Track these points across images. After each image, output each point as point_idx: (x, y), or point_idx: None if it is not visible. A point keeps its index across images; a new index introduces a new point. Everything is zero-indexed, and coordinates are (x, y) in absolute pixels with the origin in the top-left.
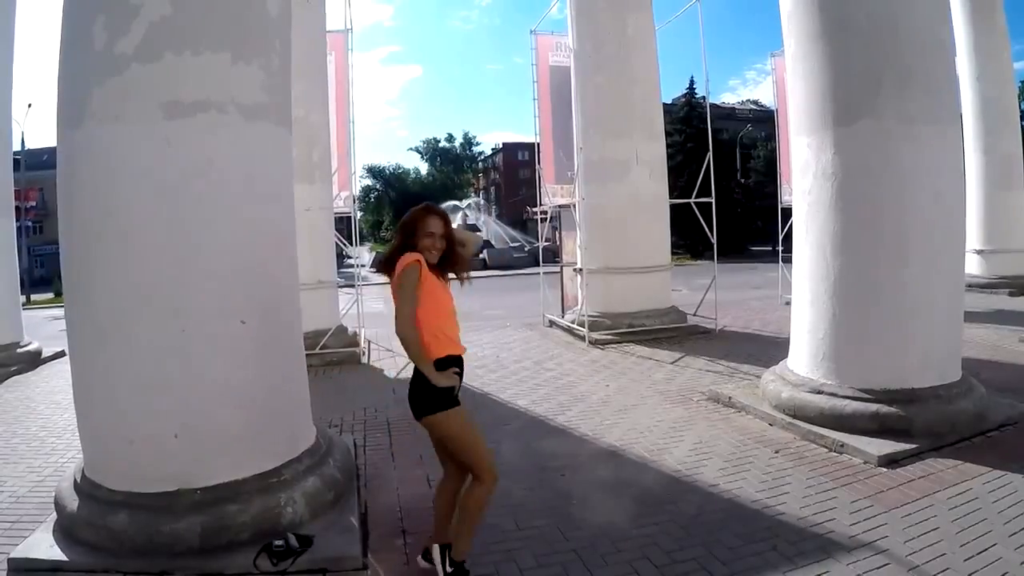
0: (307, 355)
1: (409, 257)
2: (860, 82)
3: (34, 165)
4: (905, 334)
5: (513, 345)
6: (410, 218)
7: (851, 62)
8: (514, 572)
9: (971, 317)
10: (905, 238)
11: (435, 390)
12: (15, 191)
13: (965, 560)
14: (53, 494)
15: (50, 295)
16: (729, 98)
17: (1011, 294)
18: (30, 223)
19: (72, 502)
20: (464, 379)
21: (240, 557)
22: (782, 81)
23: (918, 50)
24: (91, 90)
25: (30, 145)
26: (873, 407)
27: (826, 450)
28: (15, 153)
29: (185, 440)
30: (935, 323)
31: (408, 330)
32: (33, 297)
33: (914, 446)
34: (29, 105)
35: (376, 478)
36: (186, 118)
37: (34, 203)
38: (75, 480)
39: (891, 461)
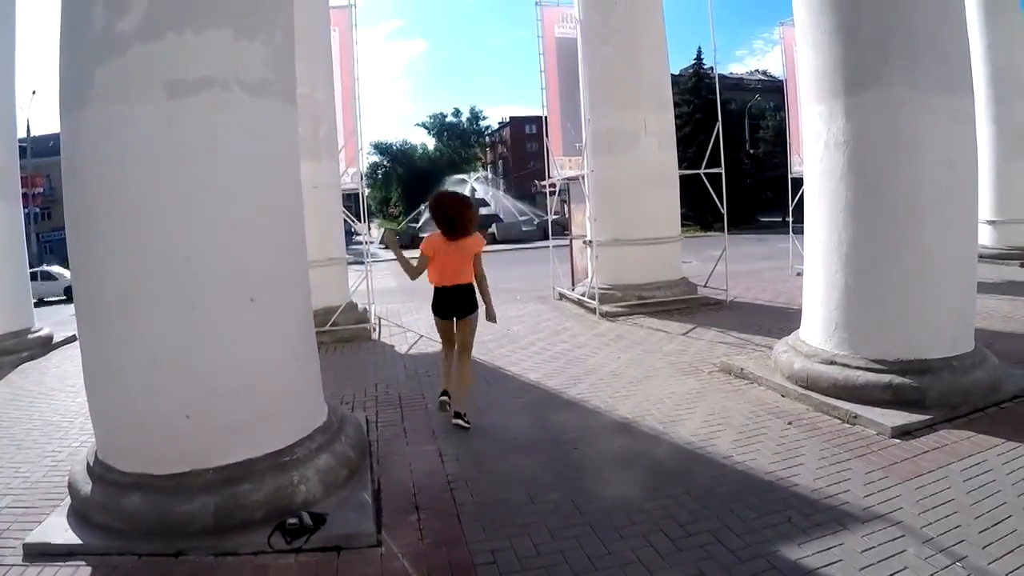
0: (318, 332)
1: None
2: (870, 50)
3: (40, 152)
4: (918, 304)
5: (524, 318)
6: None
7: (861, 29)
8: (528, 547)
9: (983, 288)
10: (917, 208)
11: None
12: (22, 178)
13: (980, 532)
14: (67, 478)
15: None
16: (736, 68)
17: (1023, 265)
18: (38, 209)
19: (85, 485)
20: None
21: (254, 536)
22: (791, 50)
23: (928, 17)
24: (93, 71)
25: (35, 132)
26: (886, 378)
27: (839, 421)
28: (21, 140)
29: (196, 420)
30: (948, 293)
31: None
32: None
33: (927, 417)
34: (33, 92)
35: (388, 454)
36: (189, 97)
37: (41, 189)
38: (88, 463)
39: (904, 432)
